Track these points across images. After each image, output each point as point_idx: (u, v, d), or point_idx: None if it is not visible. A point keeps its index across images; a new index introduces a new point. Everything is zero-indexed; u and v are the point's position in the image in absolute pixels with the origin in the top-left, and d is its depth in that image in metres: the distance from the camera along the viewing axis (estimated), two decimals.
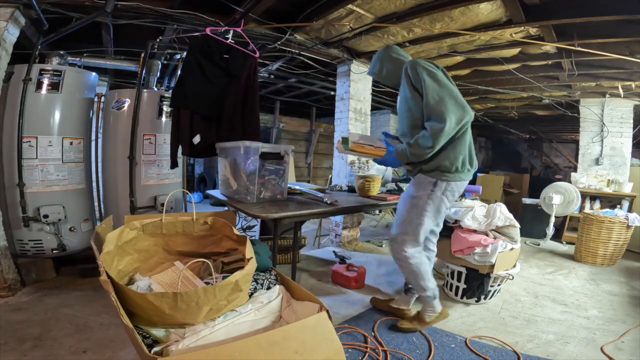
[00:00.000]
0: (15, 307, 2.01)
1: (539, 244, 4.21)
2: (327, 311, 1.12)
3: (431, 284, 1.94)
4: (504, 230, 2.46)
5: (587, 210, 4.17)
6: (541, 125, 7.83)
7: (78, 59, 2.83)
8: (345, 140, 1.92)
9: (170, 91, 2.51)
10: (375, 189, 2.56)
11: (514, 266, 2.43)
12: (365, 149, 1.90)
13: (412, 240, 1.86)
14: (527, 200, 4.78)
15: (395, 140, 1.96)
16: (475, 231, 2.43)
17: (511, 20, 2.59)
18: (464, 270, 2.33)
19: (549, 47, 3.04)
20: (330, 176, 4.21)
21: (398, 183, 2.96)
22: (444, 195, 1.81)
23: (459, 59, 3.66)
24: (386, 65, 1.95)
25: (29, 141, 2.23)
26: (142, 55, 2.68)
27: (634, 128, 4.50)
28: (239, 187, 2.14)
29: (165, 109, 2.67)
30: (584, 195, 4.30)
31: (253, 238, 1.83)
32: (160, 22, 2.54)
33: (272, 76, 4.57)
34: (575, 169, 5.26)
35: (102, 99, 2.67)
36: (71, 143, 2.41)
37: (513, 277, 2.40)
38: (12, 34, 2.16)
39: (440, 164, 1.77)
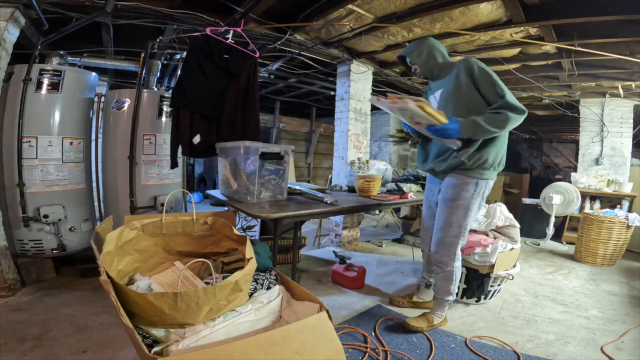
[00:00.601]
0: (15, 307, 2.00)
1: (539, 244, 4.21)
2: (327, 311, 1.12)
3: (455, 290, 1.98)
4: (504, 230, 2.47)
5: (587, 210, 4.17)
6: (541, 125, 7.82)
7: (78, 59, 2.83)
8: None
9: (170, 91, 2.51)
10: (375, 189, 2.56)
11: (514, 266, 2.43)
12: (427, 108, 1.60)
13: (462, 241, 1.92)
14: (527, 200, 4.78)
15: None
16: (475, 231, 2.44)
17: (511, 20, 2.59)
18: (464, 270, 2.33)
19: (549, 47, 3.04)
20: (330, 176, 4.21)
21: (398, 183, 2.96)
22: (483, 193, 1.89)
23: (459, 59, 3.65)
24: (432, 55, 1.99)
25: (29, 141, 2.23)
26: (142, 55, 2.68)
27: (634, 128, 4.51)
28: (239, 187, 2.13)
29: (165, 109, 2.67)
30: (584, 195, 4.30)
31: (253, 238, 1.82)
32: (160, 22, 2.54)
33: (272, 76, 4.57)
34: (575, 169, 5.26)
35: (102, 99, 2.67)
36: (71, 143, 2.41)
37: (513, 277, 2.40)
38: (12, 34, 2.16)
39: (485, 158, 1.81)
